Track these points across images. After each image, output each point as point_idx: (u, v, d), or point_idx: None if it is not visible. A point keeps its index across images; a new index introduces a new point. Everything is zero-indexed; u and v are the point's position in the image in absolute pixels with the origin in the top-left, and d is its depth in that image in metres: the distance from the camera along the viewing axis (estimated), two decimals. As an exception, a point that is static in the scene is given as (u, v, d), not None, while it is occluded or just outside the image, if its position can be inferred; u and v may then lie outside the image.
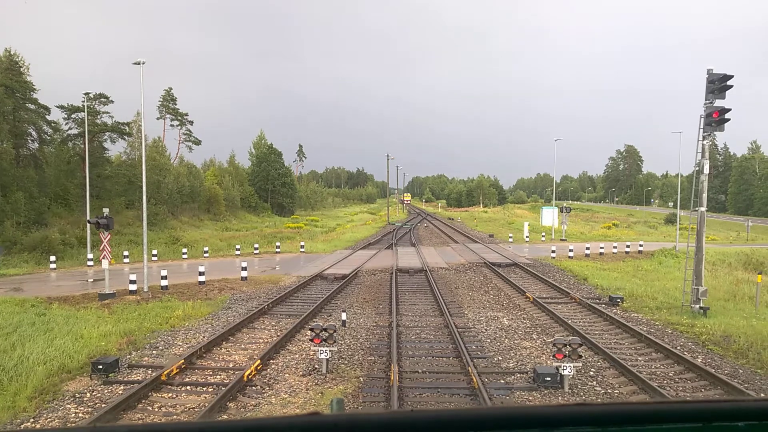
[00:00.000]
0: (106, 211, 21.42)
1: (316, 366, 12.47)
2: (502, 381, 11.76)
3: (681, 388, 11.33)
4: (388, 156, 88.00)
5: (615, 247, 39.13)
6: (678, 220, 47.90)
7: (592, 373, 12.25)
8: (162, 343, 14.73)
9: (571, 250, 35.67)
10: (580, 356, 11.37)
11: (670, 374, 12.28)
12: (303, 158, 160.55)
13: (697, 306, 18.31)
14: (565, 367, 11.07)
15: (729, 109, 17.58)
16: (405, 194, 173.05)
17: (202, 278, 24.43)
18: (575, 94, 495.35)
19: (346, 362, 13.06)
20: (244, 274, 25.95)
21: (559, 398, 10.71)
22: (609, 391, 11.12)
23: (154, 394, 10.77)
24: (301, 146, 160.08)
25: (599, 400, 10.69)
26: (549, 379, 11.22)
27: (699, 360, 13.24)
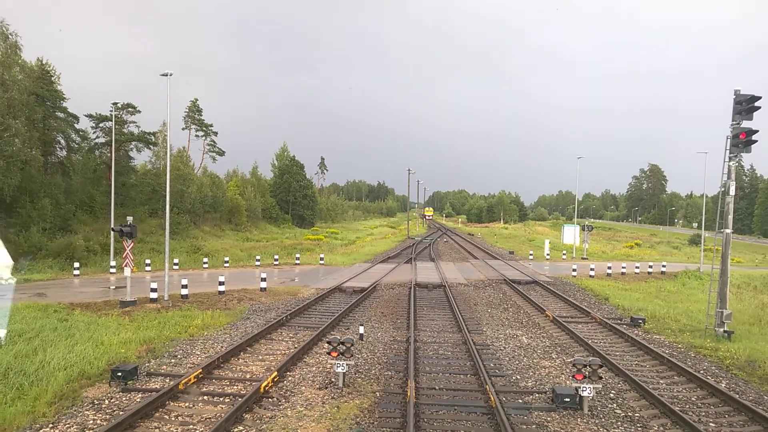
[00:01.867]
0: (129, 219, 21.70)
1: (333, 379, 12.44)
2: (520, 401, 11.60)
3: (704, 414, 11.08)
4: (409, 170, 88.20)
5: (637, 267, 38.64)
6: (702, 241, 47.13)
7: (612, 395, 12.05)
8: (181, 351, 14.83)
9: (592, 269, 35.27)
10: (600, 377, 11.19)
11: (693, 399, 12.03)
12: (325, 171, 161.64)
13: (722, 329, 17.96)
14: (584, 389, 10.90)
15: (756, 131, 17.32)
16: (426, 208, 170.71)
17: (221, 288, 24.58)
18: (599, 113, 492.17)
19: (362, 376, 13.00)
20: (263, 284, 26.08)
21: (578, 420, 10.53)
22: (629, 414, 10.91)
23: (172, 403, 10.82)
24: (323, 159, 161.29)
25: (620, 425, 10.49)
26: (568, 399, 11.05)
27: (723, 385, 12.96)
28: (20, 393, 10.90)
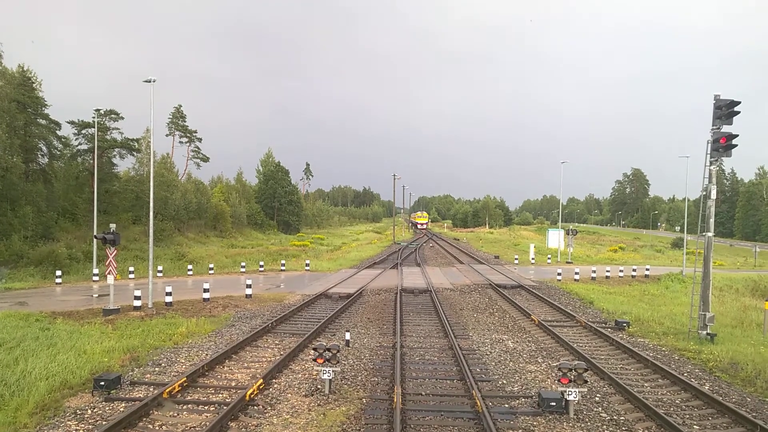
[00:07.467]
0: (112, 226, 21.51)
1: (319, 386, 12.38)
2: (507, 405, 11.62)
3: (688, 416, 11.17)
4: (394, 176, 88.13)
5: (621, 271, 38.97)
6: (685, 244, 47.64)
7: (597, 398, 12.11)
8: (165, 360, 14.69)
9: (577, 273, 35.51)
10: (586, 381, 11.25)
11: (677, 401, 12.12)
12: (310, 177, 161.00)
13: (705, 332, 18.15)
14: (570, 392, 10.94)
15: (736, 135, 17.57)
16: (418, 213, 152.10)
17: (206, 295, 24.42)
18: (584, 116, 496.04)
19: (349, 383, 12.96)
20: (248, 291, 25.93)
21: (564, 424, 10.57)
22: (615, 417, 10.97)
23: (156, 412, 10.70)
24: (308, 164, 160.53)
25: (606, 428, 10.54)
26: (554, 404, 11.08)
27: (706, 387, 13.09)
28: (1, 404, 10.73)
